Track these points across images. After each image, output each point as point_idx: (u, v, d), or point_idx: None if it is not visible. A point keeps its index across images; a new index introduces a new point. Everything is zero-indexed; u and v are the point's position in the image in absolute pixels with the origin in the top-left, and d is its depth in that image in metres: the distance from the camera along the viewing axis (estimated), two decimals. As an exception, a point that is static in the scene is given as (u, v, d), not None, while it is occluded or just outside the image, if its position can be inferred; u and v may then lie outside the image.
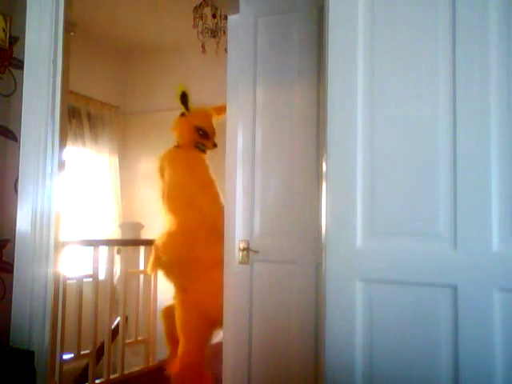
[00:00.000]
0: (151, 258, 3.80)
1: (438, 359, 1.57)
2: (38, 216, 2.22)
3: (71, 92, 4.54)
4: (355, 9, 1.75)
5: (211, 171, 3.67)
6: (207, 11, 4.08)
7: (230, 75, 2.85)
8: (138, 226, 4.37)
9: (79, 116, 5.31)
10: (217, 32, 4.09)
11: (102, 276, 3.72)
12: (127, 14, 4.97)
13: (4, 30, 2.26)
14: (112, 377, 3.72)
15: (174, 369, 3.52)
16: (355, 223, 1.70)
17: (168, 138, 3.90)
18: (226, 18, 3.79)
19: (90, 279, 3.59)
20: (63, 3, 2.31)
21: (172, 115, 5.52)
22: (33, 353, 2.09)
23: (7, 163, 2.27)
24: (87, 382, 3.54)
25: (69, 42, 3.14)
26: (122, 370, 3.79)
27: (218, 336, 3.40)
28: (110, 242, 4.12)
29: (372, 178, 1.69)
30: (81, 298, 3.47)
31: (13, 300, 2.21)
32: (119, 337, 3.82)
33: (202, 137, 3.69)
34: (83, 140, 5.37)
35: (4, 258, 2.23)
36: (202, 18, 4.05)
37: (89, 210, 5.37)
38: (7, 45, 2.28)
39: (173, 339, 3.71)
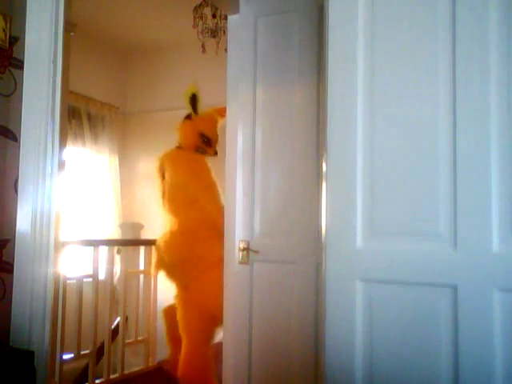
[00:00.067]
0: (154, 260, 3.81)
1: (437, 359, 1.57)
2: (38, 216, 2.22)
3: (71, 92, 4.54)
4: (355, 9, 1.75)
5: (213, 173, 3.67)
6: (207, 11, 4.08)
7: (230, 75, 2.85)
8: (138, 226, 4.37)
9: (79, 116, 5.31)
10: (217, 32, 4.09)
11: (102, 276, 3.71)
12: (127, 13, 4.97)
13: (4, 30, 2.26)
14: (112, 377, 3.72)
15: (177, 370, 3.53)
16: (355, 223, 1.70)
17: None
18: (225, 18, 3.79)
19: (90, 279, 3.59)
20: (63, 3, 2.30)
21: (172, 115, 5.53)
22: (33, 353, 2.09)
23: (7, 163, 2.27)
24: (87, 382, 3.54)
25: (69, 42, 3.14)
26: (122, 369, 3.79)
27: (219, 335, 3.40)
28: (110, 242, 4.12)
29: (372, 178, 1.69)
30: (81, 298, 3.47)
31: (13, 300, 2.21)
32: (119, 337, 3.82)
33: (204, 143, 3.69)
34: (83, 140, 5.37)
35: (4, 258, 2.23)
36: (202, 17, 4.05)
37: (89, 209, 5.37)
38: (7, 45, 2.28)
39: (174, 339, 3.72)
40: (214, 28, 4.08)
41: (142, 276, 4.06)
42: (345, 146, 1.73)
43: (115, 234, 5.17)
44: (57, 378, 3.23)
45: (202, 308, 3.46)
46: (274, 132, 2.68)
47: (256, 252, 2.63)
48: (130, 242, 4.11)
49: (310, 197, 2.50)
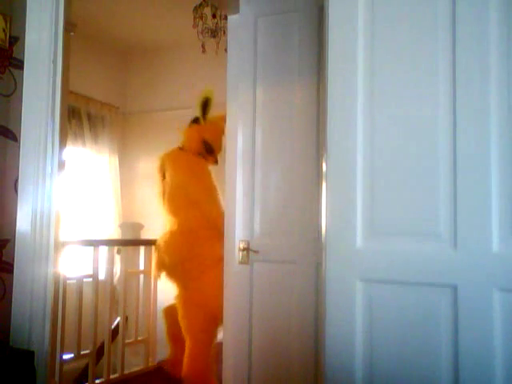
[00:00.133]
0: (154, 261, 3.81)
1: (437, 359, 1.57)
2: (38, 216, 2.22)
3: (71, 92, 4.54)
4: (355, 9, 1.75)
5: (213, 176, 3.68)
6: (207, 11, 4.08)
7: (229, 75, 2.85)
8: (138, 226, 4.37)
9: (79, 116, 5.31)
10: (217, 32, 4.09)
11: (102, 276, 3.71)
12: (127, 13, 4.97)
13: (4, 30, 2.26)
14: (112, 377, 3.72)
15: (178, 370, 3.54)
16: (355, 223, 1.70)
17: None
18: (225, 18, 3.79)
19: (90, 279, 3.59)
20: (63, 3, 2.30)
21: (172, 115, 5.55)
22: (33, 353, 2.09)
23: (7, 163, 2.27)
24: (87, 382, 3.55)
25: (69, 42, 3.14)
26: (122, 369, 3.79)
27: (219, 335, 3.41)
28: (110, 242, 4.12)
29: (372, 178, 1.69)
30: (81, 298, 3.47)
31: (13, 300, 2.21)
32: (119, 337, 3.82)
33: (206, 151, 3.70)
34: (83, 140, 5.37)
35: (4, 258, 2.23)
36: (202, 17, 4.05)
37: (89, 209, 5.37)
38: (7, 45, 2.28)
39: (174, 339, 3.73)
40: (214, 28, 4.08)
41: (142, 276, 4.06)
42: (345, 146, 1.73)
43: (115, 234, 5.17)
44: (57, 378, 3.23)
45: (204, 308, 3.46)
46: (273, 132, 2.68)
47: (256, 252, 2.63)
48: (130, 242, 4.11)
49: (310, 197, 2.50)
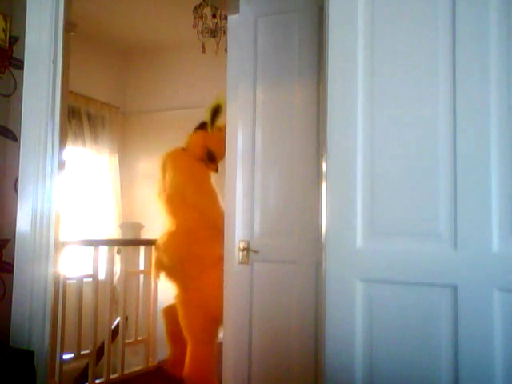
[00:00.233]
0: (153, 261, 3.82)
1: (437, 359, 1.57)
2: (38, 216, 2.22)
3: (71, 92, 4.54)
4: (355, 8, 1.75)
5: (213, 182, 3.69)
6: (207, 11, 4.08)
7: (229, 75, 2.85)
8: (138, 226, 4.37)
9: (79, 116, 5.31)
10: (217, 32, 4.09)
11: (102, 276, 3.72)
12: (127, 13, 4.97)
13: (4, 30, 2.26)
14: (112, 377, 3.72)
15: (178, 369, 3.54)
16: (355, 223, 1.70)
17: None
18: (225, 18, 3.78)
19: (90, 279, 3.59)
20: (63, 3, 2.30)
21: (172, 115, 5.55)
22: (33, 353, 2.09)
23: (7, 163, 2.27)
24: (87, 382, 3.55)
25: (69, 42, 3.15)
26: (122, 370, 3.79)
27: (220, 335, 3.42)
28: (110, 242, 4.12)
29: (372, 178, 1.69)
30: (81, 298, 3.47)
31: (13, 300, 2.21)
32: (119, 337, 3.82)
33: (208, 159, 3.71)
34: (83, 140, 5.37)
35: (4, 258, 2.23)
36: (202, 17, 4.05)
37: (89, 209, 5.37)
38: (7, 45, 2.28)
39: (173, 338, 3.73)
40: (214, 28, 4.08)
41: (142, 276, 4.06)
42: (345, 146, 1.73)
43: (115, 234, 5.17)
44: (57, 378, 3.24)
45: (204, 308, 3.47)
46: (273, 132, 2.68)
47: (256, 252, 2.63)
48: (130, 242, 4.11)
49: (310, 197, 2.50)
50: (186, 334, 3.53)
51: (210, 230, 3.50)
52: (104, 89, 5.72)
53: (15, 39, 2.30)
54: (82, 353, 3.51)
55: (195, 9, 4.05)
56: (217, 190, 3.64)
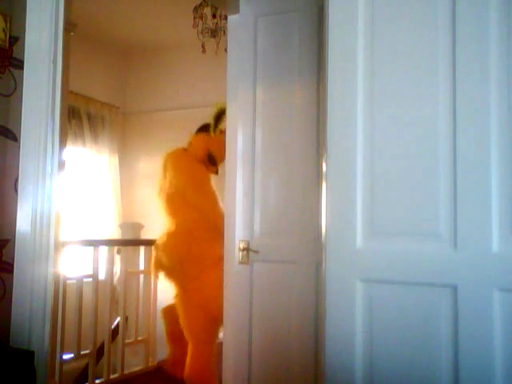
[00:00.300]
0: (153, 261, 3.82)
1: (437, 359, 1.57)
2: (38, 216, 2.22)
3: (71, 92, 4.54)
4: (355, 8, 1.75)
5: (214, 184, 3.69)
6: (207, 11, 4.08)
7: (229, 75, 2.85)
8: (138, 226, 4.37)
9: (79, 116, 5.31)
10: (217, 32, 4.09)
11: (102, 276, 3.71)
12: (127, 13, 4.97)
13: (4, 30, 2.26)
14: (112, 377, 3.72)
15: (179, 370, 3.54)
16: (355, 223, 1.70)
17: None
18: (225, 18, 3.78)
19: (90, 279, 3.59)
20: (63, 3, 2.30)
21: (172, 115, 5.56)
22: (33, 353, 2.09)
23: (7, 163, 2.27)
24: (87, 382, 3.55)
25: (69, 42, 3.15)
26: (122, 369, 3.79)
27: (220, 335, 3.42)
28: (110, 242, 4.12)
29: (372, 178, 1.69)
30: (81, 298, 3.47)
31: (13, 300, 2.21)
32: (119, 337, 3.82)
33: (209, 161, 3.72)
34: (83, 140, 5.37)
35: (4, 258, 2.23)
36: (202, 17, 4.05)
37: (89, 209, 5.37)
38: (7, 45, 2.28)
39: (173, 338, 3.73)
40: (214, 28, 4.08)
41: (142, 276, 4.06)
42: (345, 146, 1.73)
43: (115, 234, 5.17)
44: (57, 378, 3.23)
45: (204, 308, 3.47)
46: (273, 132, 2.68)
47: (256, 252, 2.63)
48: (130, 242, 4.11)
49: (310, 197, 2.50)
50: (186, 335, 3.53)
51: (210, 230, 3.50)
52: (104, 89, 5.72)
53: (15, 39, 2.30)
54: (82, 353, 3.51)
55: (195, 9, 4.05)
56: (217, 192, 3.64)
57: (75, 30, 3.54)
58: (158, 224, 3.79)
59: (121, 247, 3.93)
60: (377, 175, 1.69)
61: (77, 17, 3.78)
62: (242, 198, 2.69)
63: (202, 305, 3.48)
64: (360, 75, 1.72)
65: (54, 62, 2.26)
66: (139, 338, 3.97)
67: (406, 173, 1.65)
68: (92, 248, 3.65)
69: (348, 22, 1.76)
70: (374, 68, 1.71)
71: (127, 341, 3.86)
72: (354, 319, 1.68)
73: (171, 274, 3.64)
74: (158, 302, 4.05)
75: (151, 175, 5.29)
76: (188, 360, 3.50)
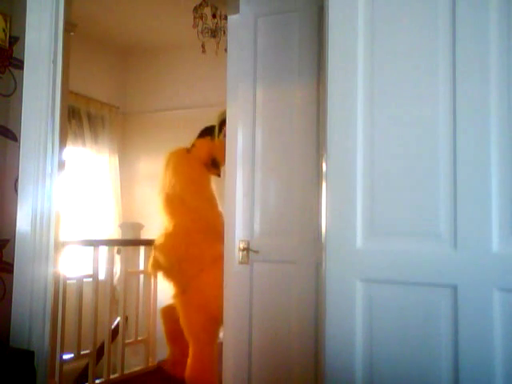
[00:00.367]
0: (150, 260, 3.82)
1: (437, 359, 1.57)
2: (38, 216, 2.22)
3: (71, 92, 4.54)
4: (355, 8, 1.75)
5: (213, 183, 3.70)
6: (207, 11, 4.08)
7: (229, 75, 2.84)
8: (138, 226, 4.37)
9: (79, 116, 5.31)
10: (217, 32, 4.09)
11: (102, 276, 3.72)
12: (127, 14, 4.97)
13: (4, 30, 2.26)
14: (112, 377, 3.72)
15: (179, 370, 3.55)
16: (355, 223, 1.70)
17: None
18: (225, 18, 3.78)
19: (90, 279, 3.59)
20: (63, 3, 2.30)
21: (172, 115, 5.56)
22: (33, 353, 2.09)
23: (7, 163, 2.27)
24: (87, 382, 3.55)
25: (69, 42, 3.15)
26: (122, 370, 3.79)
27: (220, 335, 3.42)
28: (110, 242, 4.12)
29: (372, 178, 1.69)
30: (81, 298, 3.47)
31: (13, 300, 2.21)
32: (119, 337, 3.82)
33: (212, 165, 3.73)
34: (83, 140, 5.37)
35: (4, 258, 2.23)
36: (202, 17, 4.05)
37: (89, 209, 5.37)
38: (7, 45, 2.28)
39: (172, 339, 3.73)
40: (214, 28, 4.08)
41: (142, 276, 4.06)
42: (345, 146, 1.73)
43: (115, 234, 5.17)
44: (57, 378, 3.23)
45: (204, 308, 3.47)
46: (273, 132, 2.68)
47: (256, 252, 2.63)
48: (130, 242, 4.11)
49: (310, 197, 2.50)
50: (186, 335, 3.54)
51: (208, 231, 3.52)
52: (104, 89, 5.72)
53: (15, 39, 2.31)
54: (82, 353, 3.51)
55: (195, 9, 4.05)
56: (218, 194, 3.65)
57: (75, 30, 3.54)
58: (157, 224, 3.79)
59: (121, 247, 3.93)
60: (377, 175, 1.69)
61: (77, 17, 3.78)
62: (242, 198, 2.69)
63: (202, 305, 3.48)
64: (360, 75, 1.72)
65: (54, 62, 2.26)
66: (139, 338, 3.97)
67: (406, 173, 1.65)
68: (92, 248, 3.65)
69: (348, 22, 1.76)
70: (373, 68, 1.71)
71: (127, 341, 3.86)
72: (354, 319, 1.68)
73: (169, 274, 3.65)
74: (157, 301, 4.05)
75: (151, 175, 5.29)
76: (189, 361, 3.50)
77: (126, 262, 3.89)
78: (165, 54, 5.69)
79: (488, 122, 1.54)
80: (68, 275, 3.40)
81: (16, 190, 2.26)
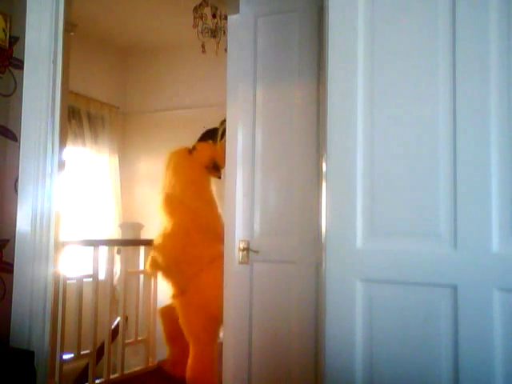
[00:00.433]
0: (148, 260, 3.83)
1: (437, 359, 1.57)
2: (38, 216, 2.22)
3: (71, 92, 4.53)
4: (355, 8, 1.75)
5: (214, 189, 3.71)
6: (207, 11, 4.08)
7: (229, 75, 2.84)
8: (138, 226, 4.37)
9: (79, 116, 5.31)
10: (217, 32, 4.09)
11: (102, 276, 3.71)
12: (127, 14, 4.97)
13: (4, 30, 2.26)
14: (112, 377, 3.72)
15: (179, 370, 3.55)
16: (355, 223, 1.70)
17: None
18: (225, 18, 3.78)
19: (90, 279, 3.59)
20: (63, 3, 2.30)
21: (172, 115, 5.56)
22: (33, 353, 2.09)
23: (7, 163, 2.27)
24: (87, 381, 3.55)
25: (69, 42, 3.15)
26: (122, 370, 3.79)
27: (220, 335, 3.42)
28: (110, 242, 4.12)
29: (372, 178, 1.69)
30: (81, 298, 3.47)
31: (13, 300, 2.21)
32: (119, 337, 3.82)
33: (213, 168, 3.74)
34: (83, 140, 5.37)
35: (4, 258, 2.23)
36: (202, 17, 4.05)
37: (89, 209, 5.37)
38: (7, 45, 2.28)
39: (172, 338, 3.74)
40: (214, 28, 4.08)
41: (141, 276, 4.06)
42: (345, 146, 1.73)
43: (115, 234, 5.17)
44: (57, 378, 3.23)
45: (204, 308, 3.47)
46: (273, 132, 2.68)
47: (256, 252, 2.63)
48: (130, 242, 4.11)
49: (310, 197, 2.50)
50: (186, 335, 3.54)
51: (207, 231, 3.53)
52: (104, 89, 5.72)
53: (15, 39, 2.31)
54: (82, 353, 3.51)
55: (195, 9, 4.05)
56: (218, 195, 3.65)
57: (75, 30, 3.53)
58: (158, 224, 3.79)
59: (121, 247, 3.93)
60: (377, 175, 1.69)
61: (77, 17, 3.78)
62: (242, 198, 2.69)
63: (201, 305, 3.48)
64: (360, 75, 1.73)
65: (54, 62, 2.26)
66: (139, 338, 3.97)
67: (406, 173, 1.65)
68: (92, 248, 3.65)
69: (348, 22, 1.76)
70: (374, 68, 1.71)
71: (127, 341, 3.86)
72: (354, 319, 1.68)
73: (167, 274, 3.66)
74: (157, 301, 4.05)
75: (151, 175, 5.29)
76: (189, 361, 3.50)
77: (125, 262, 3.89)
78: (165, 54, 5.69)
79: (488, 122, 1.54)
80: (68, 275, 3.40)
81: (16, 190, 2.26)
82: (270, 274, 2.62)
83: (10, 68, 2.29)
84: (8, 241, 2.24)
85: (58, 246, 2.56)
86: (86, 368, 3.71)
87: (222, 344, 2.86)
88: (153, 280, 4.03)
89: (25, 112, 2.27)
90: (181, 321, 3.54)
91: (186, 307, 3.55)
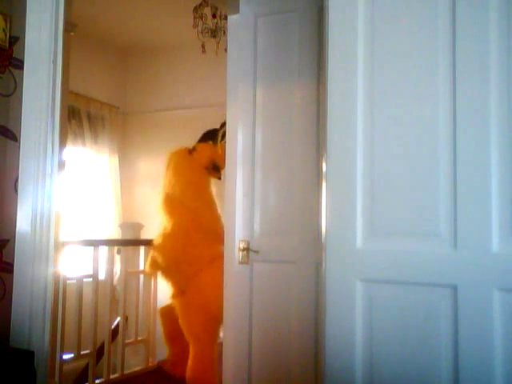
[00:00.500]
0: (148, 260, 3.83)
1: (437, 359, 1.57)
2: (38, 216, 2.22)
3: (71, 92, 4.53)
4: (355, 8, 1.75)
5: (214, 191, 3.71)
6: (207, 11, 4.08)
7: (229, 75, 2.84)
8: (138, 226, 4.37)
9: (79, 116, 5.31)
10: (217, 32, 4.09)
11: (102, 276, 3.71)
12: (127, 14, 4.97)
13: (4, 30, 2.26)
14: (112, 377, 3.72)
15: (179, 370, 3.55)
16: (355, 223, 1.70)
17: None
18: (225, 18, 3.78)
19: (90, 279, 3.59)
20: (63, 3, 2.30)
21: (172, 115, 5.56)
22: (33, 353, 2.09)
23: (7, 163, 2.27)
24: (87, 381, 3.55)
25: (69, 42, 3.15)
26: (122, 370, 3.79)
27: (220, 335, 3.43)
28: (110, 242, 4.12)
29: (372, 178, 1.69)
30: (81, 298, 3.47)
31: (13, 300, 2.21)
32: (119, 337, 3.82)
33: (213, 169, 3.75)
34: (83, 140, 5.37)
35: (4, 258, 2.23)
36: (202, 18, 4.05)
37: (89, 209, 5.37)
38: (7, 45, 2.28)
39: (172, 338, 3.74)
40: (214, 28, 4.08)
41: (141, 276, 4.06)
42: (345, 146, 1.73)
43: (115, 234, 5.17)
44: (57, 378, 3.23)
45: (203, 308, 3.47)
46: (273, 132, 2.68)
47: (256, 252, 2.63)
48: (130, 242, 4.11)
49: (310, 197, 2.50)
50: (186, 336, 3.54)
51: (207, 232, 3.53)
52: (104, 89, 5.72)
53: (15, 39, 2.31)
54: (82, 353, 3.51)
55: (195, 9, 4.05)
56: (218, 196, 3.66)
57: (75, 30, 3.54)
58: (157, 224, 3.79)
59: (121, 247, 3.93)
60: (377, 175, 1.69)
61: (77, 17, 3.78)
62: (242, 198, 2.69)
63: (201, 305, 3.48)
64: (360, 75, 1.73)
65: (54, 62, 2.26)
66: (139, 338, 3.97)
67: (406, 173, 1.65)
68: (92, 248, 3.65)
69: (348, 22, 1.76)
70: (374, 68, 1.71)
71: (127, 341, 3.86)
72: (354, 319, 1.68)
73: (167, 274, 3.66)
74: (157, 301, 4.05)
75: (151, 175, 5.29)
76: (189, 361, 3.50)
77: (125, 262, 3.89)
78: (165, 54, 5.69)
79: (488, 122, 1.54)
80: (68, 275, 3.40)
81: (16, 190, 2.26)
82: (270, 273, 2.62)
83: (10, 68, 2.29)
84: (8, 241, 2.24)
85: (58, 246, 2.56)
86: (86, 368, 3.71)
87: (222, 344, 2.86)
88: (153, 280, 4.03)
89: (25, 112, 2.27)
90: (181, 321, 3.54)
91: (185, 307, 3.55)
